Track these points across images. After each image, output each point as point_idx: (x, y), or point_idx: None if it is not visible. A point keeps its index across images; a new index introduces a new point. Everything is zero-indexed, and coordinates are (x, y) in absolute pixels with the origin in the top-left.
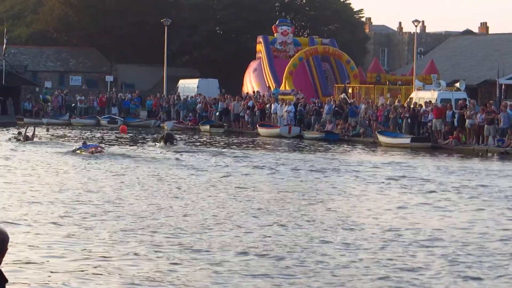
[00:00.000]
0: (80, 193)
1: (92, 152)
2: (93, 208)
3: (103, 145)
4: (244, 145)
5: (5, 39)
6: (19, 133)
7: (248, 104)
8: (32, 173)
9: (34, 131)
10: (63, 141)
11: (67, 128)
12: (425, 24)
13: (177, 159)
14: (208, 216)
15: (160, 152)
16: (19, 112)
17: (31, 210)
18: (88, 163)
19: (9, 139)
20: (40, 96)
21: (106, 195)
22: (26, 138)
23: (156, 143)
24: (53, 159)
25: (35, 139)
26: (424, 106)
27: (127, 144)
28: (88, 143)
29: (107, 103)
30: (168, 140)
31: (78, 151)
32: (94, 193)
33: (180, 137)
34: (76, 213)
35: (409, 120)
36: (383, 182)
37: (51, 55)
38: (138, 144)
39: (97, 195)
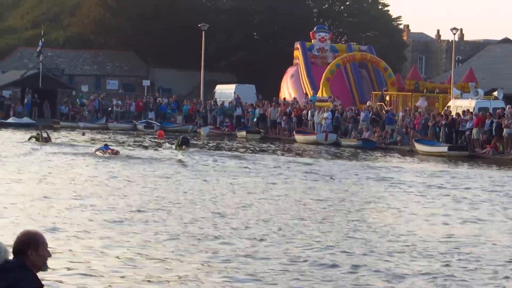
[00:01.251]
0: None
1: (109, 154)
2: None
3: (119, 149)
4: (280, 151)
5: (40, 42)
6: (38, 134)
7: (285, 111)
8: (58, 177)
9: (48, 134)
10: (78, 143)
11: (104, 132)
12: (463, 32)
13: (217, 165)
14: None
15: (183, 156)
16: (55, 115)
17: (70, 215)
18: (123, 167)
19: (28, 139)
20: (77, 99)
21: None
22: (45, 140)
23: (172, 147)
24: (75, 161)
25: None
26: (462, 115)
27: (147, 148)
28: (107, 145)
29: (144, 107)
30: (184, 144)
31: (98, 152)
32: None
33: (195, 142)
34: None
35: (446, 129)
36: (425, 193)
37: (88, 58)
38: (156, 148)
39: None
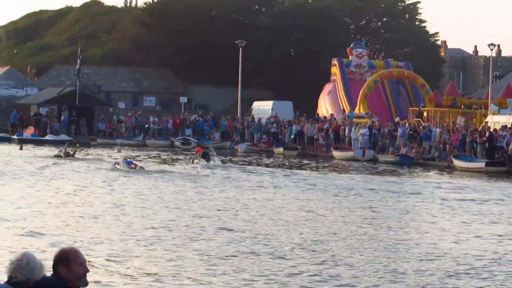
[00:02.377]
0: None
1: (131, 168)
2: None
3: (141, 164)
4: (319, 168)
5: (78, 60)
6: (60, 151)
7: (323, 127)
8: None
9: (75, 149)
10: (101, 157)
11: (141, 149)
12: (500, 48)
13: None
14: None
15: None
16: (92, 132)
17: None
18: (154, 182)
19: (54, 155)
20: (114, 116)
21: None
22: (67, 155)
23: (194, 160)
24: (98, 175)
25: (76, 155)
26: (500, 130)
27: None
28: (128, 160)
29: (181, 124)
30: (205, 157)
31: (118, 166)
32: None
33: (215, 154)
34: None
35: (486, 145)
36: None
37: (125, 75)
38: (179, 161)
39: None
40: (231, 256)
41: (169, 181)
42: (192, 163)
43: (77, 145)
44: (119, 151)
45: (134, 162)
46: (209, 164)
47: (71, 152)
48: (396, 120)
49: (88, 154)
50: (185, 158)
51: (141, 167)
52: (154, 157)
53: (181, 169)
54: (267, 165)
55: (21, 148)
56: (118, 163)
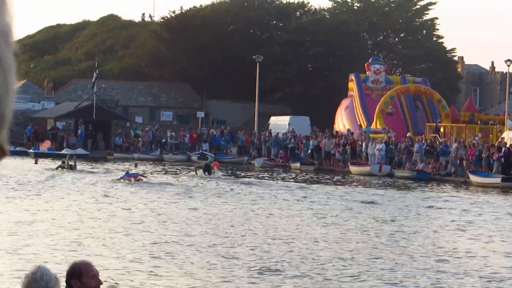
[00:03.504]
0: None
1: (131, 180)
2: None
3: (145, 175)
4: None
5: (95, 74)
6: (63, 162)
7: (340, 142)
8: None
9: (75, 162)
10: (101, 170)
11: (158, 163)
12: None
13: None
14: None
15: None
16: (109, 147)
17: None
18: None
19: (56, 168)
20: (131, 131)
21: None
22: (70, 167)
23: (197, 172)
24: (102, 187)
25: (77, 168)
26: None
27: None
28: (130, 172)
29: (198, 139)
30: (206, 170)
31: (122, 180)
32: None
33: (220, 169)
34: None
35: (503, 160)
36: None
37: (142, 90)
38: (182, 174)
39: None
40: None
41: (185, 195)
42: (196, 174)
43: (74, 157)
44: (135, 166)
45: (139, 175)
46: (211, 177)
47: (73, 164)
48: (408, 135)
49: (93, 168)
50: (187, 170)
51: (143, 177)
52: (168, 171)
53: (185, 181)
54: (292, 179)
55: (36, 162)
56: (122, 177)
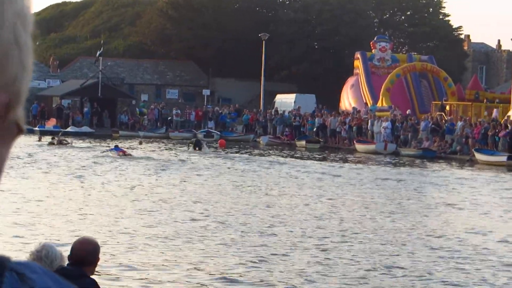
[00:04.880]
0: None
1: (120, 155)
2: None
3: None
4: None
5: (98, 52)
6: (53, 138)
7: (345, 120)
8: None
9: (64, 138)
10: (90, 145)
11: (164, 141)
12: None
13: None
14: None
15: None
16: (115, 124)
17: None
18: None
19: (48, 143)
20: (137, 109)
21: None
22: (60, 142)
23: (189, 147)
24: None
25: (66, 143)
26: None
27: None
28: (119, 147)
29: (203, 117)
30: (197, 145)
31: (110, 153)
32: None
33: (208, 144)
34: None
35: (508, 138)
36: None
37: (148, 68)
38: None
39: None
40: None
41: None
42: (188, 149)
43: (60, 133)
44: (140, 143)
45: (123, 149)
46: (200, 152)
47: (65, 141)
48: (407, 112)
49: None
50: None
51: (129, 154)
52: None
53: (168, 156)
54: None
55: (39, 140)
56: (110, 150)
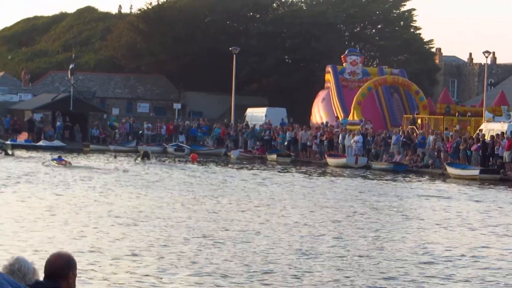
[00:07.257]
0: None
1: (64, 165)
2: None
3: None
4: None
5: (70, 66)
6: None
7: (316, 134)
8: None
9: (12, 149)
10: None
11: (132, 155)
12: (495, 55)
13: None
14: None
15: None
16: (86, 138)
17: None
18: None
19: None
20: (108, 123)
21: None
22: (6, 154)
23: (137, 160)
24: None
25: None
26: (495, 138)
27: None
28: (61, 157)
29: (174, 130)
30: (145, 156)
31: (53, 162)
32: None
33: (155, 155)
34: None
35: (480, 152)
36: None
37: (119, 82)
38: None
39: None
40: None
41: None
42: (135, 161)
43: (4, 145)
44: (114, 157)
45: (64, 158)
46: (148, 162)
47: (10, 153)
48: (365, 125)
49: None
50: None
51: (69, 163)
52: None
53: (109, 166)
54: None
55: (12, 154)
56: (53, 159)
